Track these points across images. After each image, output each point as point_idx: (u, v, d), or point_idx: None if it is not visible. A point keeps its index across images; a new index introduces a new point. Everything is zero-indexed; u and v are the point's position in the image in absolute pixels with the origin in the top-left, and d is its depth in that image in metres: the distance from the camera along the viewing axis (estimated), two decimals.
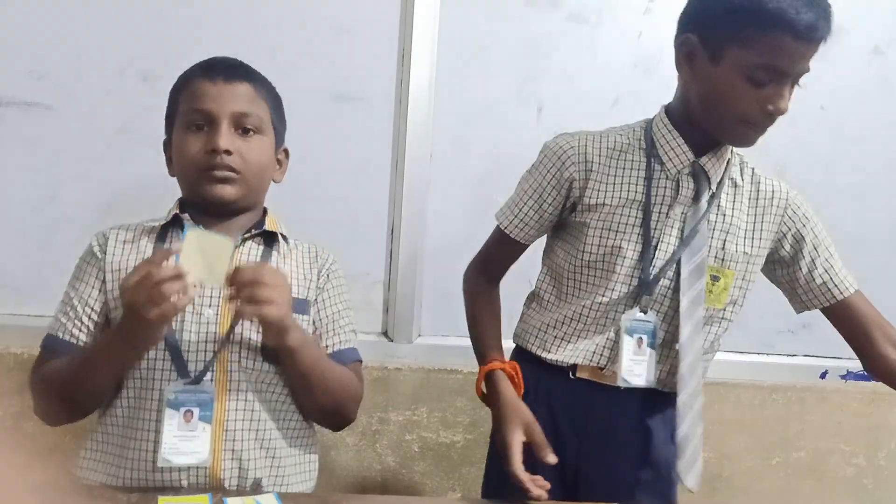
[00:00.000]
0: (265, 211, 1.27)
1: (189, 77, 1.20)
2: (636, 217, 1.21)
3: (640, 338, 1.21)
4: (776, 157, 1.90)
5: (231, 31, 1.64)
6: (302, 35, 1.69)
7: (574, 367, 1.26)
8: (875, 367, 1.28)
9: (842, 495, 1.91)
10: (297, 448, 1.20)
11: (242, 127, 1.18)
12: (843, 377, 1.94)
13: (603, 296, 1.23)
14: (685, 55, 1.17)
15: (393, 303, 1.75)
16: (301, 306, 1.21)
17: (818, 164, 1.92)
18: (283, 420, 1.19)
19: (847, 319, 1.29)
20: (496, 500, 1.15)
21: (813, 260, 1.28)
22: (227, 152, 1.15)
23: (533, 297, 1.36)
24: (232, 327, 1.14)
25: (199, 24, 1.63)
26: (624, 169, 1.23)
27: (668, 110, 1.25)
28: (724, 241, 1.23)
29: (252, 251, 1.21)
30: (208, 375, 1.11)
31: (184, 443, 1.07)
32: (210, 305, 1.15)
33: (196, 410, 1.09)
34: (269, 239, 1.23)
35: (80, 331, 1.15)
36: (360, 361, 1.28)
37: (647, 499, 1.23)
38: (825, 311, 1.31)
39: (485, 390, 1.26)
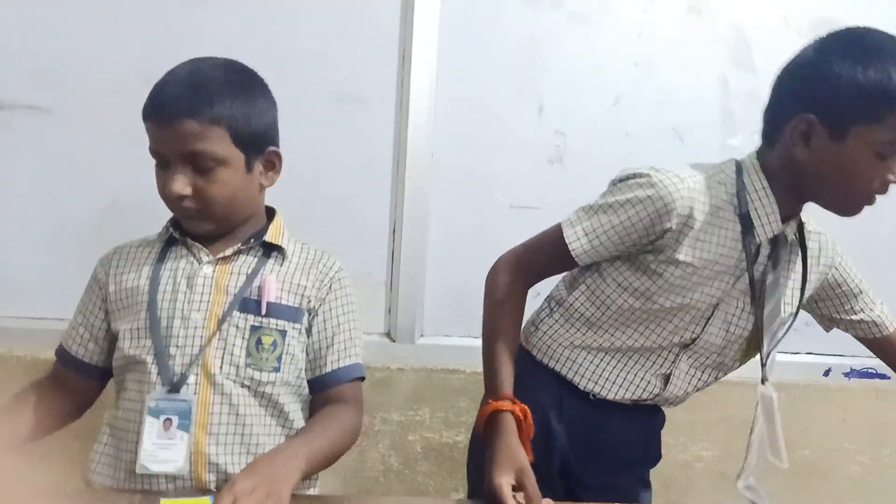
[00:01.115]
0: (273, 214, 1.26)
1: (144, 108, 1.15)
2: (719, 278, 1.19)
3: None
4: None
5: (233, 33, 1.64)
6: (303, 36, 1.69)
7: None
8: None
9: (846, 493, 1.91)
10: None
11: (197, 165, 1.12)
12: (846, 375, 1.94)
13: (655, 341, 1.22)
14: (801, 133, 1.12)
15: (395, 303, 1.75)
16: (293, 314, 1.18)
17: None
18: (270, 426, 1.17)
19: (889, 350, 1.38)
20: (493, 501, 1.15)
21: (852, 304, 1.36)
22: (183, 197, 1.12)
23: (557, 308, 1.30)
24: (218, 330, 1.13)
25: (201, 28, 1.64)
26: (719, 228, 1.17)
27: (765, 171, 1.18)
28: (797, 304, 1.26)
29: (249, 257, 1.20)
30: (191, 380, 1.11)
31: (162, 451, 1.07)
32: (199, 310, 1.14)
33: (175, 418, 1.08)
34: (268, 245, 1.21)
35: (88, 350, 1.21)
36: (362, 378, 1.24)
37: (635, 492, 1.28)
38: (865, 342, 1.39)
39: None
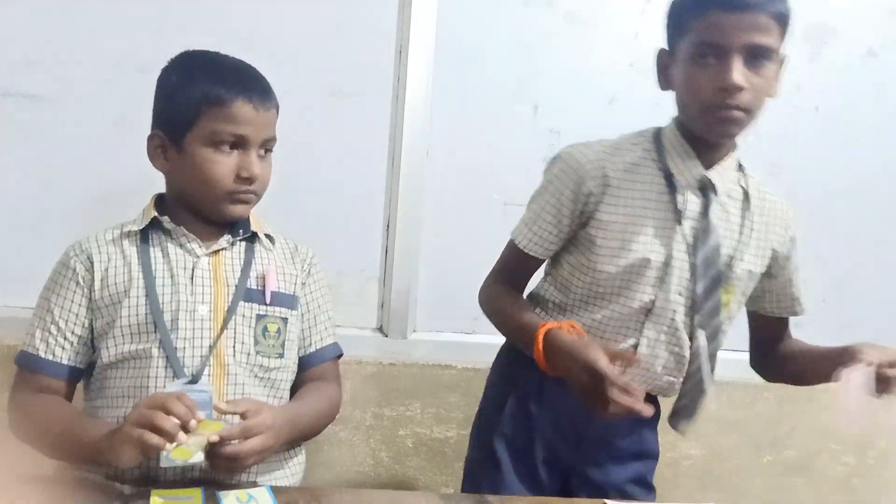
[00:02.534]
0: None
1: (225, 93, 1.14)
2: (650, 233, 1.20)
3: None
4: (770, 159, 1.91)
5: (228, 25, 1.64)
6: (299, 30, 1.69)
7: None
8: (758, 365, 1.42)
9: (832, 494, 1.93)
10: (287, 447, 1.21)
11: (264, 150, 1.20)
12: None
13: (616, 310, 1.22)
14: (661, 69, 1.23)
15: (388, 298, 1.76)
16: (290, 302, 1.23)
17: (812, 165, 1.93)
18: None
19: (774, 330, 1.39)
20: (489, 495, 1.16)
21: (791, 277, 1.34)
22: (255, 180, 1.17)
23: (532, 301, 1.34)
24: (226, 323, 1.15)
25: (195, 17, 1.63)
26: (639, 183, 1.21)
27: (678, 123, 1.23)
28: (731, 257, 1.23)
29: (237, 248, 1.22)
30: (206, 372, 1.12)
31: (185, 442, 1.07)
32: (203, 302, 1.15)
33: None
34: (251, 236, 1.24)
35: (64, 349, 1.15)
36: (340, 356, 1.32)
37: (634, 495, 1.26)
38: (755, 315, 1.39)
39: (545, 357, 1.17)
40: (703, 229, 1.19)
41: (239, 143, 1.15)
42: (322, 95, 1.70)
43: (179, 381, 1.10)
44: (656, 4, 1.83)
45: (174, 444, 0.96)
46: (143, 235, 1.19)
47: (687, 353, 1.23)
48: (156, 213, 1.19)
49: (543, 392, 1.27)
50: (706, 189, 1.20)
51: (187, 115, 1.15)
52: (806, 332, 1.93)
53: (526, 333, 1.17)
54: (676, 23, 1.18)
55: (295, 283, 1.25)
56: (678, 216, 1.19)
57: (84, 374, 1.19)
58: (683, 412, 1.28)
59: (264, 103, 1.17)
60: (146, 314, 1.13)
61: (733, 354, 1.89)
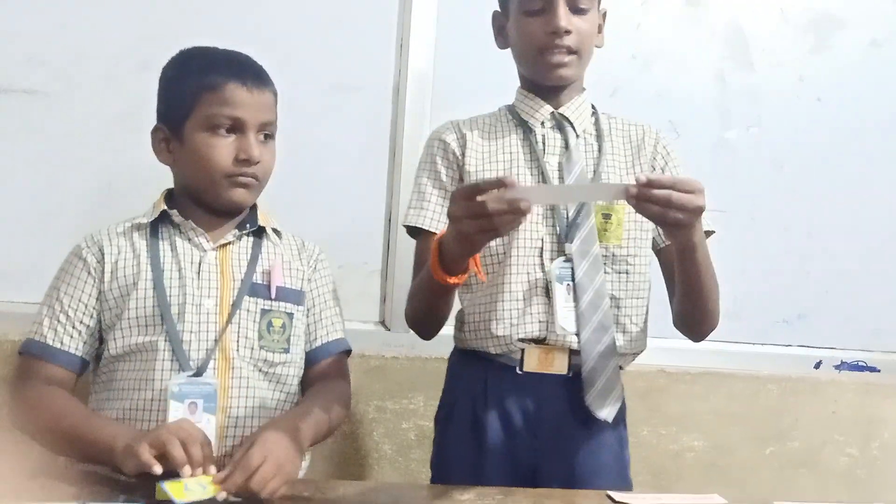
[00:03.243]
0: (254, 205, 1.28)
1: (218, 78, 1.16)
2: (520, 176, 1.26)
3: (568, 284, 1.23)
4: (773, 150, 1.91)
5: (229, 20, 1.64)
6: (300, 25, 1.69)
7: (521, 360, 1.25)
8: (678, 319, 1.31)
9: (835, 486, 1.92)
10: None
11: (263, 134, 1.19)
12: (836, 367, 1.95)
13: (514, 255, 1.24)
14: (497, 30, 1.35)
15: (390, 292, 1.76)
16: (296, 297, 1.24)
17: (815, 155, 1.93)
18: (280, 407, 1.21)
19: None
20: (486, 486, 1.16)
21: None
22: (255, 163, 1.17)
23: (461, 303, 1.35)
24: (230, 317, 1.16)
25: (197, 13, 1.64)
26: (496, 139, 1.31)
27: (522, 81, 1.35)
28: (609, 178, 1.28)
29: (244, 243, 1.23)
30: (210, 365, 1.13)
31: None
32: (209, 296, 1.17)
33: (200, 402, 1.10)
34: (257, 230, 1.25)
35: (73, 338, 1.16)
36: (349, 351, 1.31)
37: (604, 484, 1.22)
38: (661, 251, 1.34)
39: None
40: (567, 160, 1.28)
41: (236, 127, 1.16)
42: (323, 90, 1.70)
43: (184, 373, 1.11)
44: None
45: (175, 479, 0.95)
46: (153, 229, 1.20)
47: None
48: (165, 207, 1.21)
49: (488, 390, 1.27)
50: (562, 126, 1.30)
51: (185, 104, 1.17)
52: (808, 324, 1.94)
53: (428, 272, 1.14)
54: None
55: (302, 279, 1.26)
56: (541, 154, 1.28)
57: (90, 367, 1.20)
58: (591, 378, 1.22)
59: (258, 86, 1.17)
60: (154, 306, 1.14)
61: (735, 346, 1.91)
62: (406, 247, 1.74)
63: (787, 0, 1.91)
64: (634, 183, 0.98)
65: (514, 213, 0.96)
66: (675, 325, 1.31)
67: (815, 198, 1.93)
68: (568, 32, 1.22)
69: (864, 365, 1.97)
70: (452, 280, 1.10)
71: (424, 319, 1.27)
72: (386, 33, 1.73)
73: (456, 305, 1.35)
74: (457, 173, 1.31)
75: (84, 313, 1.17)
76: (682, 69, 1.88)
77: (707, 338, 1.33)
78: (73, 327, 1.16)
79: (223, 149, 1.16)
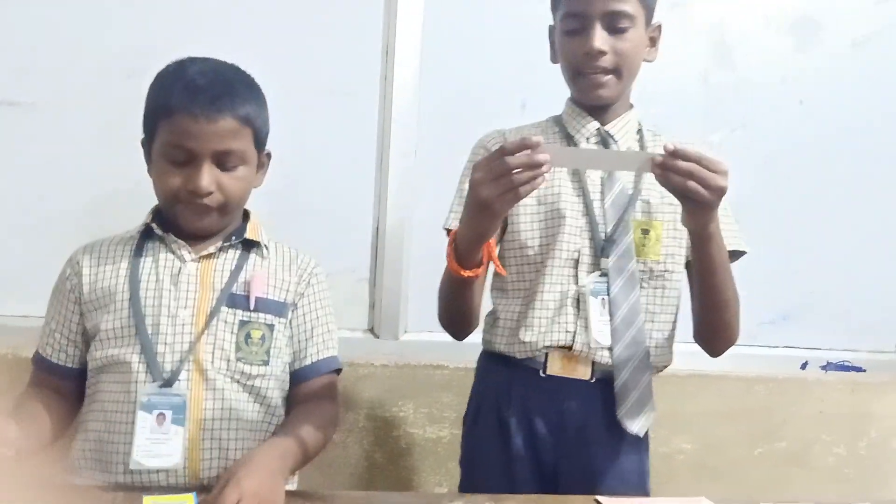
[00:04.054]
0: (247, 214, 1.27)
1: (171, 104, 1.12)
2: (563, 191, 1.27)
3: (603, 299, 1.24)
4: (758, 152, 1.92)
5: (215, 28, 1.63)
6: (286, 31, 1.68)
7: (545, 363, 1.26)
8: (698, 334, 1.33)
9: (824, 484, 1.94)
10: None
11: (224, 164, 1.15)
12: (823, 368, 1.97)
13: (548, 266, 1.26)
14: (551, 44, 1.34)
15: (379, 299, 1.75)
16: (279, 309, 1.22)
17: (800, 157, 1.94)
18: (260, 422, 1.19)
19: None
20: (480, 493, 1.16)
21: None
22: (208, 192, 1.14)
23: (493, 306, 1.37)
24: (206, 326, 1.14)
25: (184, 22, 1.62)
26: None
27: (572, 96, 1.35)
28: (649, 195, 1.28)
29: (230, 254, 1.22)
30: (183, 376, 1.12)
31: (156, 445, 1.08)
32: (185, 307, 1.15)
33: (168, 413, 1.09)
34: (247, 243, 1.23)
35: (67, 354, 1.20)
36: (339, 371, 1.29)
37: (624, 489, 1.24)
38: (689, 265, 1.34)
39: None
40: (609, 177, 1.28)
41: (189, 157, 1.13)
42: (309, 96, 1.70)
43: (154, 384, 1.10)
44: None
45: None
46: (140, 243, 1.20)
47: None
48: (149, 221, 1.20)
49: (512, 392, 1.29)
50: (606, 141, 1.30)
51: (150, 127, 1.18)
52: (795, 324, 1.96)
53: (446, 276, 1.21)
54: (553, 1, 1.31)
55: (288, 291, 1.23)
56: (584, 170, 1.29)
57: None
58: (624, 392, 1.24)
59: (211, 115, 1.11)
60: (129, 318, 1.14)
61: None
62: (393, 253, 1.74)
63: (769, 3, 1.92)
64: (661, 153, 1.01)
65: (533, 169, 0.98)
66: (695, 338, 1.33)
67: (799, 199, 1.94)
68: (603, 53, 1.22)
69: (850, 365, 1.98)
70: (467, 273, 1.12)
71: (451, 318, 1.29)
72: (372, 39, 1.73)
73: (487, 306, 1.37)
74: None
75: (72, 330, 1.20)
76: (666, 71, 1.87)
77: (724, 353, 1.36)
78: (64, 345, 1.20)
79: (174, 178, 1.14)
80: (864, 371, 1.98)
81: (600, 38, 1.21)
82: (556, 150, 1.07)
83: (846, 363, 1.98)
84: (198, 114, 1.11)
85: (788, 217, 1.95)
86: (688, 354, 1.86)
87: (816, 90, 1.94)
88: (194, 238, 1.20)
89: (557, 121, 1.36)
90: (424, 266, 1.75)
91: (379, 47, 1.73)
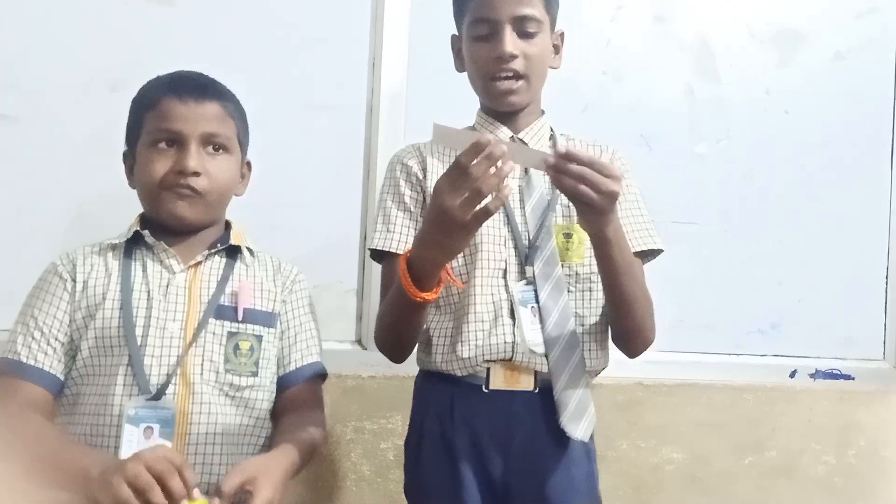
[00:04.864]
0: (228, 224, 1.28)
1: (156, 94, 1.19)
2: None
3: (533, 307, 1.23)
4: (743, 162, 1.94)
5: (200, 41, 1.63)
6: (272, 45, 1.69)
7: (487, 378, 1.24)
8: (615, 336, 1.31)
9: (813, 494, 1.93)
10: None
11: (210, 147, 1.18)
12: (811, 376, 1.97)
13: (480, 284, 1.24)
14: (456, 53, 1.35)
15: (367, 311, 1.75)
16: (267, 319, 1.22)
17: (785, 167, 1.96)
18: (248, 435, 1.18)
19: None
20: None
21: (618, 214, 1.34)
22: (195, 174, 1.15)
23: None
24: (195, 339, 1.14)
25: (167, 35, 1.63)
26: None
27: (482, 103, 1.35)
28: (568, 203, 1.26)
29: (215, 265, 1.22)
30: (170, 390, 1.11)
31: None
32: (174, 320, 1.15)
33: (156, 427, 1.08)
34: (232, 251, 1.24)
35: (48, 356, 1.14)
36: (325, 376, 1.29)
37: (575, 497, 1.23)
38: None
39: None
40: (527, 184, 1.28)
41: (176, 140, 1.16)
42: (296, 109, 1.70)
43: (141, 397, 1.09)
44: (627, 12, 1.86)
45: None
46: (127, 250, 1.19)
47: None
48: (138, 228, 1.20)
49: (454, 411, 1.25)
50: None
51: (136, 126, 1.20)
52: (783, 333, 1.96)
53: (398, 291, 1.12)
54: (458, 6, 1.32)
55: (274, 301, 1.24)
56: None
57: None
58: (564, 399, 1.22)
59: (198, 97, 1.17)
60: (118, 327, 1.13)
61: (711, 357, 1.92)
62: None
63: (753, 15, 1.94)
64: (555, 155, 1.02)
65: (490, 161, 0.97)
66: (613, 341, 1.31)
67: (785, 208, 1.96)
68: (514, 57, 1.23)
69: (839, 373, 1.99)
70: (426, 295, 1.08)
71: (396, 342, 1.26)
72: (358, 53, 1.74)
73: None
74: (420, 195, 1.31)
75: (59, 330, 1.15)
76: (651, 84, 1.90)
77: (642, 354, 1.32)
78: (48, 344, 1.14)
79: (161, 162, 1.16)
80: (854, 379, 1.99)
81: (511, 42, 1.22)
82: (451, 136, 1.06)
83: (835, 371, 1.99)
84: (185, 96, 1.16)
85: (775, 226, 1.96)
86: (675, 364, 1.88)
87: (801, 101, 1.96)
88: (180, 242, 1.20)
89: (471, 130, 1.35)
90: None
91: (366, 61, 1.74)
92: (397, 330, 1.22)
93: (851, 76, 1.98)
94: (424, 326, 1.30)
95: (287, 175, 1.68)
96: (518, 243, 1.26)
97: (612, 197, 1.03)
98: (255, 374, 1.18)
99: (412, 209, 1.30)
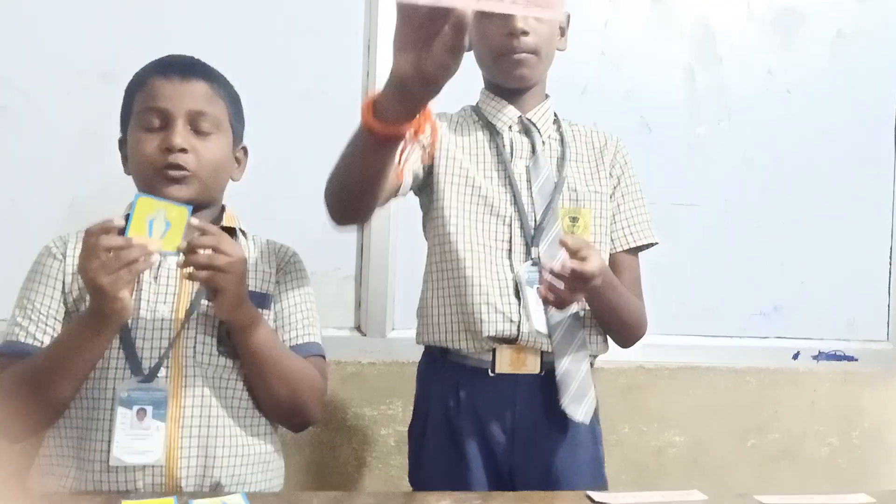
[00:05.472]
0: (223, 208, 1.27)
1: (144, 75, 1.19)
2: (489, 177, 1.27)
3: (538, 287, 1.21)
4: (744, 144, 1.92)
5: (193, 30, 1.62)
6: (266, 32, 1.68)
7: (493, 362, 1.24)
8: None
9: (816, 476, 1.93)
10: (260, 445, 1.18)
11: (199, 125, 1.17)
12: (814, 358, 1.96)
13: (484, 260, 1.24)
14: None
15: (365, 297, 1.75)
16: (261, 300, 1.21)
17: (786, 148, 1.94)
18: (243, 417, 1.17)
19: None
20: (472, 491, 1.15)
21: (619, 205, 1.35)
22: (183, 150, 1.14)
23: (424, 297, 1.33)
24: (187, 321, 1.14)
25: (160, 24, 1.62)
26: (463, 135, 1.31)
27: (487, 84, 1.34)
28: (575, 183, 1.30)
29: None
30: (162, 372, 1.11)
31: (137, 442, 1.07)
32: (165, 302, 1.15)
33: (149, 409, 1.08)
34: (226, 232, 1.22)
35: (45, 333, 1.14)
36: (323, 357, 1.27)
37: (581, 482, 1.23)
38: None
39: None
40: (534, 165, 1.29)
41: (163, 120, 1.15)
42: (292, 97, 1.69)
43: (133, 379, 1.09)
44: None
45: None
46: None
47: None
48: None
49: (460, 395, 1.25)
50: (529, 130, 1.31)
51: (127, 109, 1.20)
52: (785, 316, 1.95)
53: (356, 134, 0.96)
54: None
55: (269, 282, 1.23)
56: (509, 157, 1.29)
57: None
58: (566, 380, 1.23)
59: (184, 76, 1.17)
60: None
61: (713, 340, 1.92)
62: (379, 251, 1.74)
63: None
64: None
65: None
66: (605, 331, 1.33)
67: (787, 189, 1.94)
68: (525, 34, 1.23)
69: (842, 354, 1.98)
70: (388, 129, 0.90)
71: (344, 190, 1.07)
72: (353, 38, 1.72)
73: (414, 300, 1.35)
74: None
75: (56, 309, 1.15)
76: (651, 66, 1.88)
77: (634, 345, 1.35)
78: (45, 323, 1.14)
79: (150, 142, 1.15)
80: (857, 361, 1.98)
81: (522, 19, 1.22)
82: None
83: (838, 353, 1.98)
84: (171, 75, 1.16)
85: (776, 208, 1.94)
86: (677, 348, 1.87)
87: (803, 81, 1.94)
88: None
89: (475, 109, 1.35)
90: (410, 262, 1.74)
91: (361, 46, 1.72)
92: (348, 172, 1.03)
93: (854, 55, 1.96)
94: (426, 303, 1.30)
95: (283, 163, 1.67)
96: (524, 224, 1.26)
97: (592, 290, 1.13)
98: None
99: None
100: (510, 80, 1.28)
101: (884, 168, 2.00)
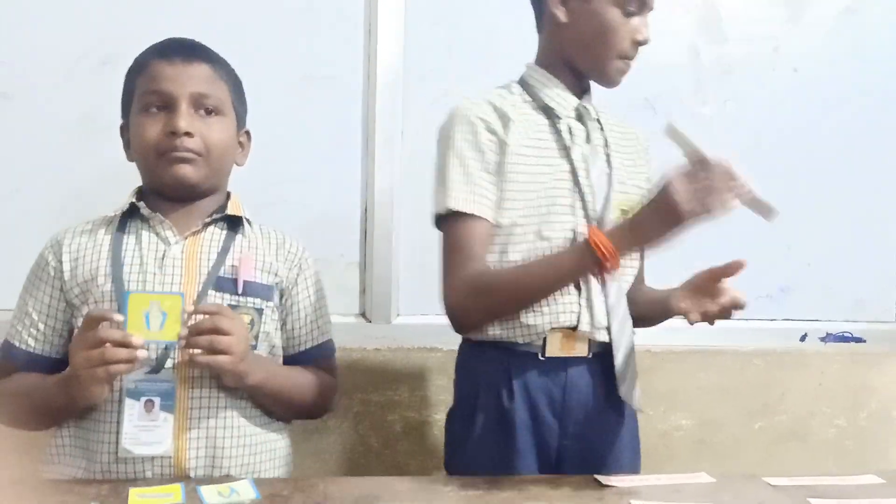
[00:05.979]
0: (228, 195, 1.25)
1: (145, 59, 1.18)
2: (551, 165, 1.24)
3: (598, 277, 1.22)
4: (750, 123, 1.90)
5: (193, 13, 1.61)
6: (266, 16, 1.66)
7: (543, 347, 1.23)
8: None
9: (824, 457, 1.93)
10: (266, 433, 1.19)
11: (202, 108, 1.16)
12: (822, 339, 1.95)
13: (543, 247, 1.22)
14: (554, 4, 1.25)
15: (369, 284, 1.74)
16: (266, 292, 1.20)
17: (793, 127, 1.92)
18: (250, 406, 1.17)
19: (641, 270, 1.37)
20: (477, 476, 1.14)
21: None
22: (188, 134, 1.13)
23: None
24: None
25: (159, 8, 1.60)
26: (529, 119, 1.26)
27: (541, 63, 1.31)
28: (624, 175, 1.29)
29: (215, 236, 1.20)
30: (169, 363, 1.10)
31: (145, 433, 1.07)
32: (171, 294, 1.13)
33: (157, 400, 1.08)
34: (233, 223, 1.21)
35: (36, 339, 1.16)
36: (334, 350, 1.30)
37: (623, 465, 1.25)
38: None
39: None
40: (592, 153, 1.27)
41: (166, 103, 1.14)
42: (293, 81, 1.68)
43: (141, 370, 1.08)
44: None
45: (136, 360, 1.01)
46: (122, 224, 1.18)
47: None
48: (134, 200, 1.18)
49: (512, 380, 1.24)
50: (583, 118, 1.29)
51: (128, 94, 1.19)
52: (792, 297, 1.94)
53: (565, 261, 1.17)
54: None
55: (276, 274, 1.22)
56: (570, 144, 1.26)
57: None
58: (624, 369, 1.24)
59: (186, 58, 1.16)
60: (111, 301, 1.11)
61: (720, 322, 1.88)
62: (382, 237, 1.72)
63: None
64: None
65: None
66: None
67: (793, 169, 1.92)
68: (644, 43, 1.26)
69: (850, 335, 1.97)
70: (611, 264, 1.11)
71: (516, 309, 1.21)
72: (354, 20, 1.70)
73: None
74: (498, 154, 1.23)
75: (47, 315, 1.16)
76: (656, 46, 1.84)
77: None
78: (36, 328, 1.16)
79: (153, 125, 1.14)
80: (864, 342, 1.97)
81: (646, 26, 1.24)
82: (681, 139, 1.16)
83: (845, 334, 1.97)
84: (173, 58, 1.16)
85: (784, 188, 1.91)
86: (684, 330, 1.84)
87: (810, 58, 1.91)
88: (177, 213, 1.18)
89: (527, 88, 1.30)
90: (414, 248, 1.74)
91: (362, 29, 1.70)
92: (531, 299, 1.19)
93: (863, 30, 1.93)
94: None
95: (285, 147, 1.66)
96: (587, 213, 1.24)
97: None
98: (254, 348, 1.17)
99: (491, 168, 1.23)
100: (607, 82, 1.29)
101: (892, 147, 1.97)
